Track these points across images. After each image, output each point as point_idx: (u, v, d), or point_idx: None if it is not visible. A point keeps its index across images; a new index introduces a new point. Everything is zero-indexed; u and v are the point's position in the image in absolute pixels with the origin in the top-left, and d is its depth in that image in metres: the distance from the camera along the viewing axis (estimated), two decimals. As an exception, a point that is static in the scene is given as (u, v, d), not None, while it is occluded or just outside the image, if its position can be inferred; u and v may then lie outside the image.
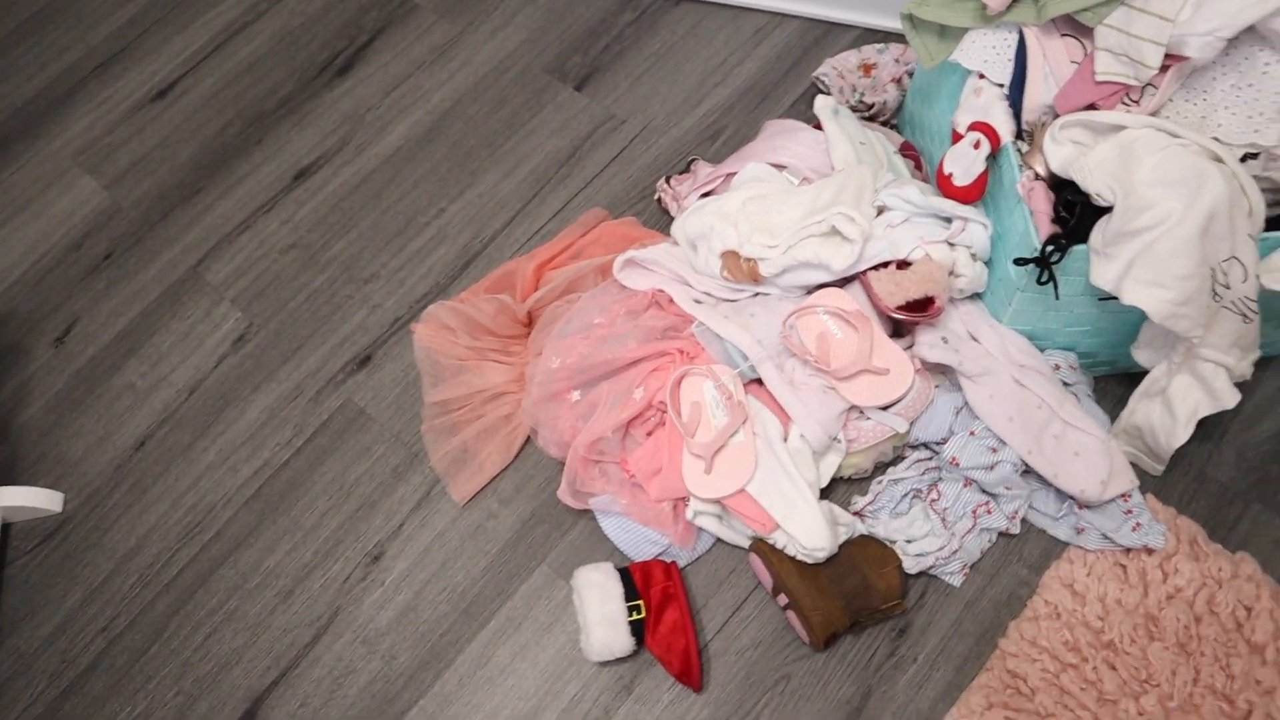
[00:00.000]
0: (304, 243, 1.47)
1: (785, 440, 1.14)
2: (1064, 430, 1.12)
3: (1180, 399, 1.11)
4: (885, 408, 1.13)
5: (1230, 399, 1.10)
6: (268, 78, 1.63)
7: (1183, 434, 1.12)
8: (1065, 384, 1.17)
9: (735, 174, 1.28)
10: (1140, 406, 1.14)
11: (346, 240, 1.47)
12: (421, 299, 1.40)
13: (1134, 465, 1.20)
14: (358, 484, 1.29)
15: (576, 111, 1.52)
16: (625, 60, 1.56)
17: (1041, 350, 1.18)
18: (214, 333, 1.42)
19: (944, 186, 1.11)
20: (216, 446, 1.33)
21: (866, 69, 1.41)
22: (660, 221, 1.39)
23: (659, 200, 1.39)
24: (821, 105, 1.27)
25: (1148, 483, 1.20)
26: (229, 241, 1.49)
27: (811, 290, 1.17)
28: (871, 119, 1.41)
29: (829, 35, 1.54)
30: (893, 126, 1.42)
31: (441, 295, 1.40)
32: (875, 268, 1.12)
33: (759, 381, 1.16)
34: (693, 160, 1.40)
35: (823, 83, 1.42)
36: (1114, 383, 1.24)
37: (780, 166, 1.26)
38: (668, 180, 1.38)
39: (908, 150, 1.32)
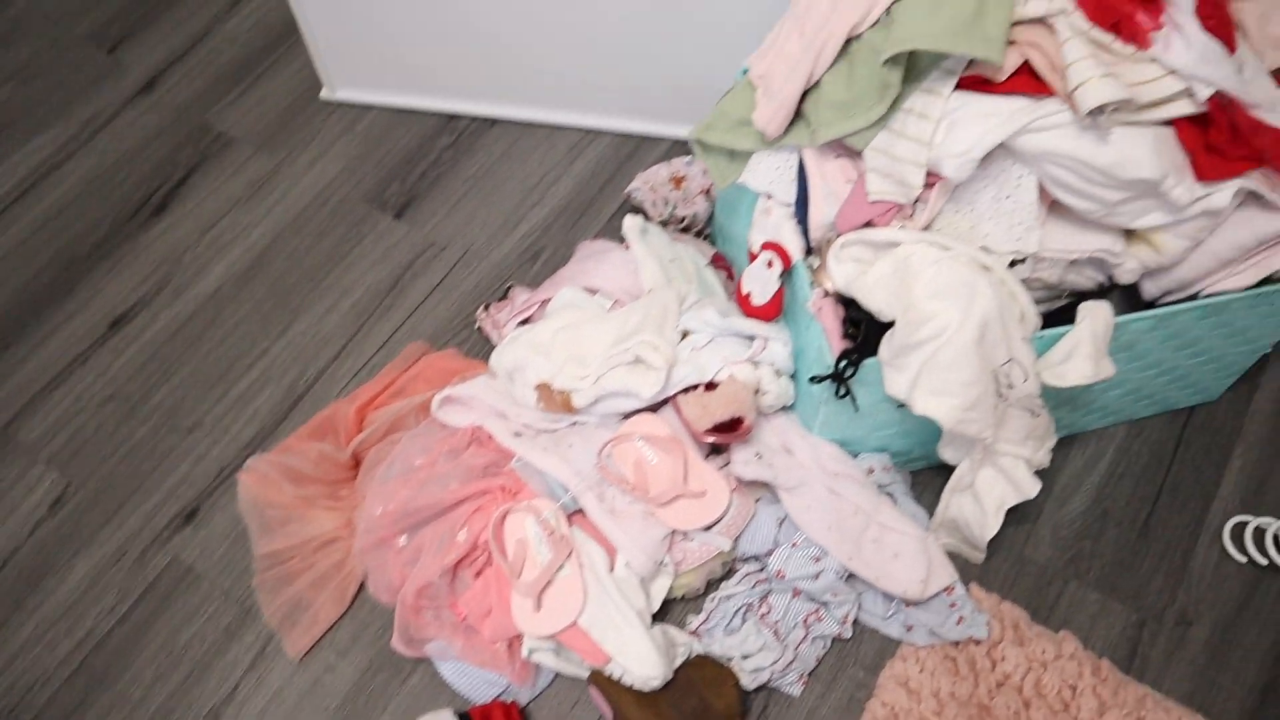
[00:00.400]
0: (123, 394, 1.43)
1: (612, 570, 1.13)
2: (881, 533, 1.15)
3: (987, 492, 1.15)
4: (708, 527, 1.14)
5: (1031, 488, 1.14)
6: (80, 221, 1.59)
7: (993, 525, 1.16)
8: (881, 486, 1.20)
9: (551, 299, 1.28)
10: (952, 501, 1.18)
11: (168, 388, 1.43)
12: (248, 445, 1.37)
13: (958, 555, 1.23)
14: (188, 648, 1.24)
15: (397, 240, 1.52)
16: (443, 185, 1.57)
17: (855, 455, 1.21)
18: (29, 497, 1.36)
19: (743, 306, 1.13)
20: (33, 621, 1.27)
21: (677, 181, 1.44)
22: (484, 350, 1.39)
23: (480, 329, 1.39)
24: (629, 226, 1.29)
25: (971, 571, 1.23)
26: (43, 398, 1.44)
27: (626, 416, 1.18)
28: (685, 230, 1.44)
29: (641, 148, 1.58)
30: (706, 237, 1.45)
31: (268, 439, 1.37)
32: (684, 391, 1.14)
33: (583, 512, 1.16)
34: (510, 286, 1.41)
35: (635, 198, 1.45)
36: (933, 474, 1.27)
37: (593, 290, 1.27)
38: (487, 308, 1.39)
39: (719, 262, 1.35)
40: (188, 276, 1.52)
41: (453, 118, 1.64)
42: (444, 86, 1.59)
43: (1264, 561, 1.23)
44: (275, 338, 1.45)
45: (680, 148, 1.55)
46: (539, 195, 1.55)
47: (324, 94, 1.66)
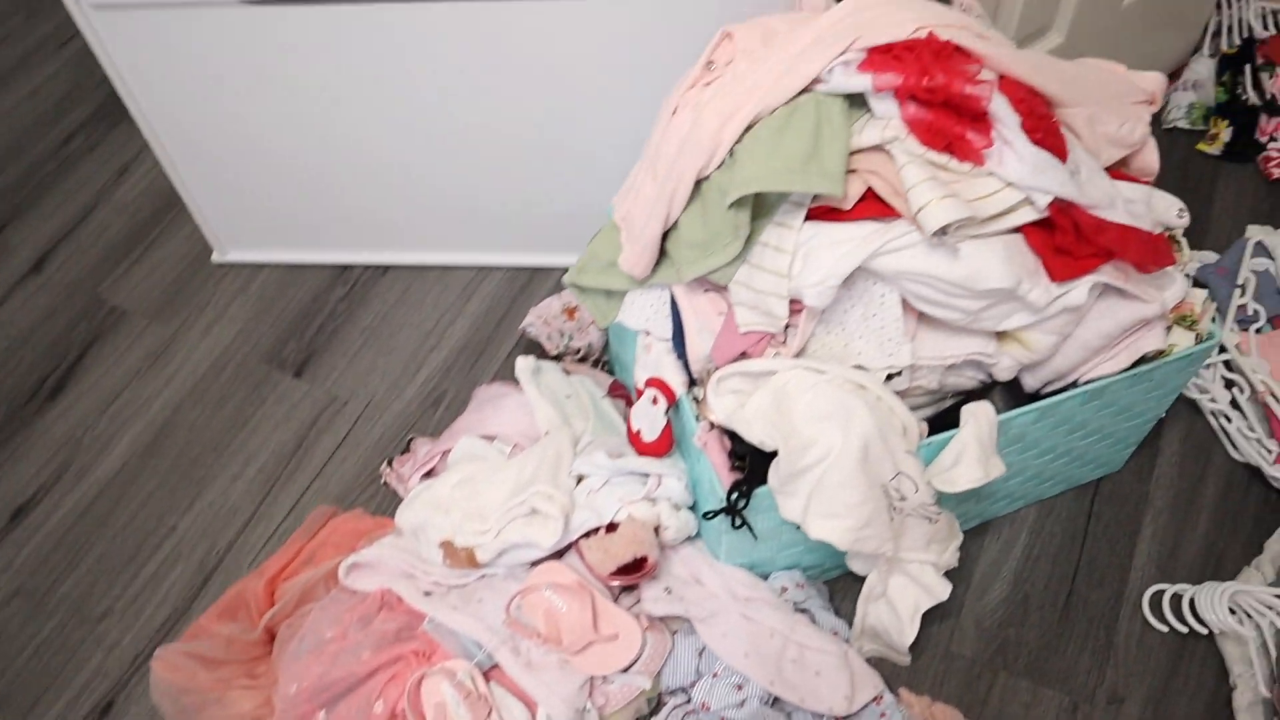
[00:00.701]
0: (28, 588, 1.39)
1: (535, 723, 1.11)
2: (801, 653, 1.14)
3: (900, 599, 1.15)
4: (626, 668, 1.12)
5: (943, 591, 1.14)
6: (-25, 413, 1.57)
7: (910, 631, 1.16)
8: (796, 604, 1.19)
9: (451, 449, 1.28)
10: (869, 610, 1.17)
11: (75, 577, 1.39)
12: (161, 628, 1.33)
13: (885, 660, 1.22)
14: None
15: (299, 399, 1.51)
16: (341, 338, 1.57)
17: (767, 575, 1.21)
18: (-66, 709, 1.31)
19: (635, 443, 1.13)
20: (-54, 842, 1.22)
21: (570, 313, 1.45)
22: (392, 504, 1.37)
23: (386, 484, 1.38)
24: (521, 367, 1.29)
25: (899, 675, 1.22)
26: (-54, 602, 1.40)
27: (534, 564, 1.17)
28: (583, 360, 1.44)
29: (533, 280, 1.59)
30: (604, 364, 1.45)
31: (182, 620, 1.34)
32: (586, 535, 1.13)
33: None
34: (411, 439, 1.40)
35: (530, 333, 1.46)
36: (851, 580, 1.27)
37: (491, 437, 1.27)
38: (390, 463, 1.38)
39: (617, 390, 1.36)
40: (90, 457, 1.49)
41: (345, 269, 1.64)
42: (333, 240, 1.60)
43: (1184, 629, 1.23)
44: (183, 512, 1.42)
45: (572, 275, 1.56)
46: (436, 339, 1.55)
47: (215, 257, 1.66)
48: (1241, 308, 1.39)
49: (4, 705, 1.29)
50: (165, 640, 1.31)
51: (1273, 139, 1.57)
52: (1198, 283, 1.47)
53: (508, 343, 1.53)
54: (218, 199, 1.56)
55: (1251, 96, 1.59)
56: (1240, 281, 1.41)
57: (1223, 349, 1.38)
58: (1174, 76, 1.69)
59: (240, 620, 1.26)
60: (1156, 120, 1.70)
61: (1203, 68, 1.64)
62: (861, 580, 1.19)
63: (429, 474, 1.31)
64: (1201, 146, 1.64)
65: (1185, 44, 1.67)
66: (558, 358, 1.45)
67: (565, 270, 1.54)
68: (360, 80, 1.34)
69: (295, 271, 1.65)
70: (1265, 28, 1.61)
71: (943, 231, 0.91)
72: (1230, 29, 1.65)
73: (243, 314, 1.61)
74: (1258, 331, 1.38)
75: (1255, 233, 1.48)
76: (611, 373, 1.43)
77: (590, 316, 1.43)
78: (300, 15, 1.26)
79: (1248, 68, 1.59)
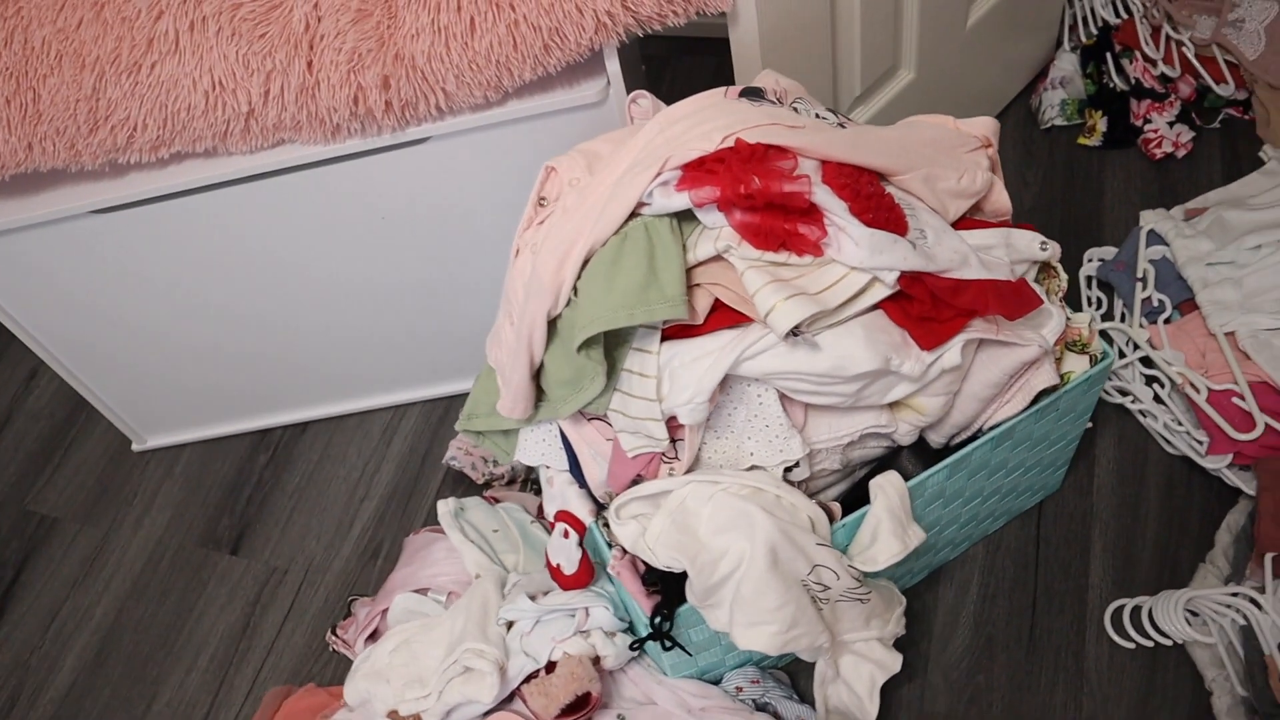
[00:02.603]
0: (1, 828, 1.37)
1: None
2: (767, 754, 1.12)
3: (854, 678, 1.13)
4: (593, 807, 1.10)
5: (894, 663, 1.12)
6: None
7: (871, 708, 1.14)
8: (754, 701, 1.17)
9: (388, 609, 1.26)
10: (828, 693, 1.15)
11: (45, 807, 1.37)
12: (138, 844, 1.31)
13: (860, 734, 1.20)
14: None
15: (239, 576, 1.49)
16: (271, 505, 1.55)
17: (719, 681, 1.19)
18: None
19: (557, 578, 1.12)
20: None
21: (487, 437, 1.43)
22: (346, 670, 1.35)
23: (336, 651, 1.36)
24: (443, 511, 1.28)
25: (877, 746, 1.20)
26: None
27: (481, 718, 1.15)
28: (510, 485, 1.43)
29: (450, 410, 1.58)
30: (533, 483, 1.44)
31: (157, 831, 1.31)
32: (527, 679, 1.11)
33: (468, 830, 1.12)
34: (352, 600, 1.38)
35: (455, 466, 1.44)
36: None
37: (425, 590, 1.25)
38: (334, 631, 1.36)
39: (545, 510, 1.34)
40: (40, 678, 1.47)
41: (265, 433, 1.63)
42: (248, 407, 1.59)
43: (1150, 643, 1.21)
44: (141, 718, 1.40)
45: (486, 396, 1.55)
46: (364, 488, 1.53)
47: (135, 446, 1.65)
48: (1146, 300, 1.38)
49: None
50: None
51: (1148, 120, 1.57)
52: (1101, 283, 1.46)
53: (435, 479, 1.52)
54: (123, 392, 1.55)
55: (1118, 83, 1.59)
56: (1140, 275, 1.40)
57: (1136, 346, 1.36)
58: (1042, 76, 1.69)
59: (209, 827, 1.24)
60: (1034, 123, 1.69)
61: (1067, 63, 1.64)
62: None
63: (373, 636, 1.29)
64: (1082, 140, 1.64)
65: (1045, 43, 1.67)
66: (485, 485, 1.44)
67: (478, 394, 1.53)
68: (230, 257, 1.33)
69: (216, 445, 1.64)
70: (1116, 14, 1.61)
71: (795, 331, 0.90)
72: (1084, 20, 1.65)
73: (171, 499, 1.60)
74: (1166, 321, 1.37)
75: (1147, 219, 1.47)
76: (539, 492, 1.41)
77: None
78: (151, 214, 1.26)
79: (1109, 56, 1.59)
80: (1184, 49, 1.55)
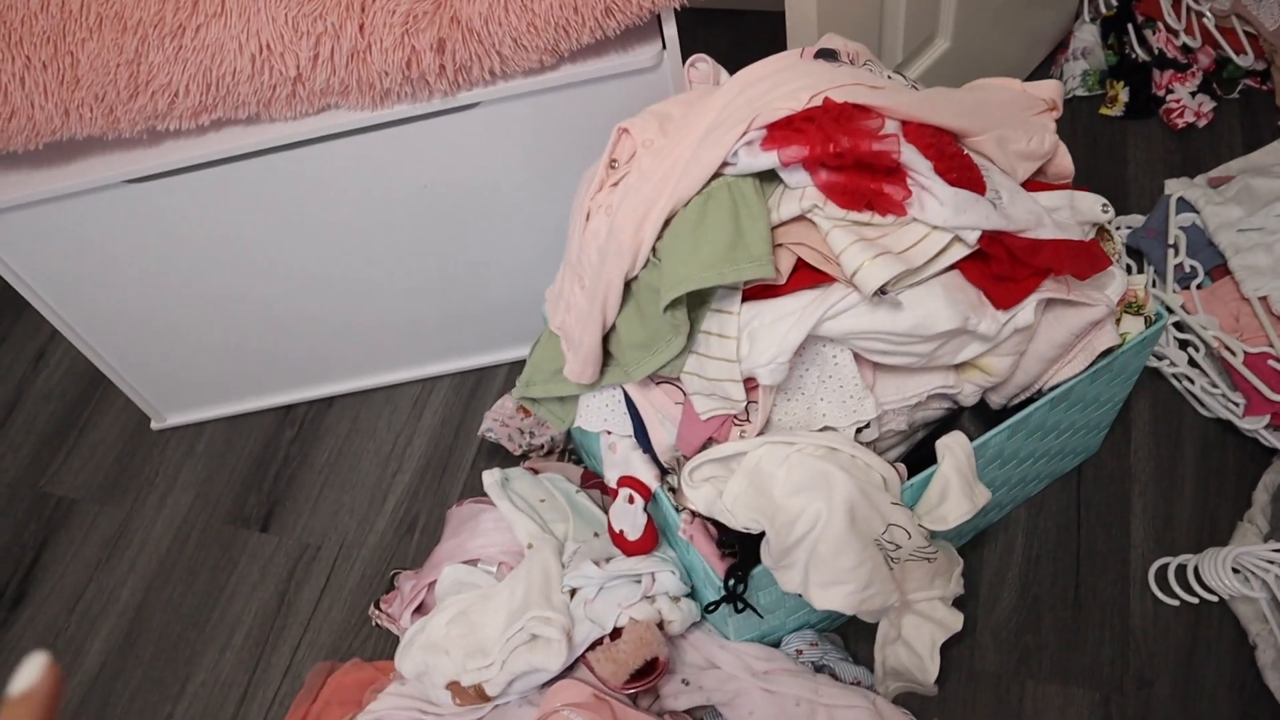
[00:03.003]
0: (36, 812, 1.33)
1: (581, 847, 1.09)
2: (830, 714, 1.12)
3: (915, 637, 1.15)
4: (660, 772, 1.10)
5: (956, 623, 1.14)
6: (-61, 639, 1.51)
7: (932, 668, 1.15)
8: (814, 664, 1.18)
9: (435, 581, 1.25)
10: (887, 653, 1.16)
11: (80, 790, 1.34)
12: (180, 824, 1.29)
13: (913, 694, 1.21)
14: None
15: (271, 554, 1.47)
16: (300, 481, 1.53)
17: (779, 642, 1.19)
18: None
19: (620, 544, 1.11)
20: None
21: (525, 410, 1.42)
22: (388, 644, 1.34)
23: (378, 625, 1.35)
24: (489, 482, 1.26)
25: (930, 705, 1.21)
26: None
27: (545, 685, 1.14)
28: (549, 455, 1.42)
29: (481, 383, 1.56)
30: (571, 453, 1.43)
31: (199, 811, 1.29)
32: (592, 647, 1.11)
33: (534, 798, 1.11)
34: (395, 574, 1.37)
35: (490, 437, 1.43)
36: (860, 622, 1.25)
37: (474, 561, 1.24)
38: (377, 605, 1.34)
39: (590, 481, 1.34)
40: (67, 660, 1.44)
41: (289, 409, 1.60)
42: (272, 383, 1.56)
43: (1195, 600, 1.23)
44: (175, 699, 1.38)
45: (518, 371, 1.54)
46: (397, 462, 1.51)
47: (154, 425, 1.62)
48: (1178, 267, 1.40)
49: None
50: (187, 836, 1.26)
51: (1170, 90, 1.59)
52: (1131, 250, 1.48)
53: (470, 451, 1.50)
54: (144, 369, 1.52)
55: (1140, 54, 1.61)
56: (1171, 241, 1.42)
57: (1170, 311, 1.38)
58: (1062, 47, 1.70)
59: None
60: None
61: (1088, 34, 1.66)
62: (873, 622, 1.17)
63: (419, 609, 1.28)
64: (1104, 111, 1.66)
65: (1066, 14, 1.69)
66: (523, 457, 1.43)
67: (510, 366, 1.53)
68: (266, 230, 1.31)
69: (239, 422, 1.61)
70: (1137, -15, 1.63)
71: (882, 290, 0.90)
72: (1104, -9, 1.67)
73: (195, 477, 1.57)
74: (1198, 287, 1.39)
75: (1174, 187, 1.49)
76: (580, 463, 1.41)
77: (547, 413, 1.41)
78: (187, 183, 1.23)
79: (1130, 26, 1.61)
80: (1204, 20, 1.57)
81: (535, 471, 1.35)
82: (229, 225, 1.30)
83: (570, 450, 1.44)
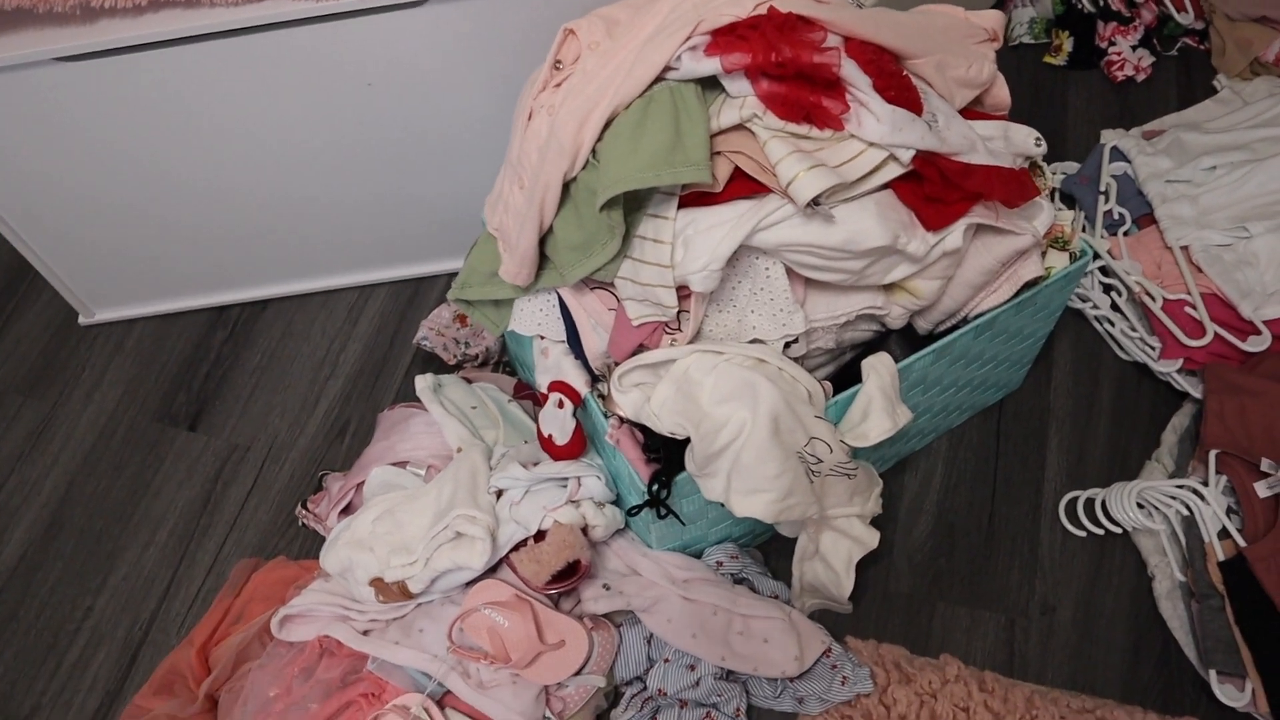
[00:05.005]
0: (-53, 698, 1.33)
1: (496, 742, 1.11)
2: (746, 624, 1.15)
3: (832, 553, 1.18)
4: (577, 672, 1.12)
5: (872, 540, 1.17)
6: None
7: (847, 583, 1.18)
8: (733, 576, 1.20)
9: (364, 482, 1.25)
10: (804, 569, 1.20)
11: (-6, 679, 1.34)
12: (95, 716, 1.29)
13: (828, 611, 1.25)
14: None
15: (198, 453, 1.46)
16: (231, 382, 1.52)
17: (701, 554, 1.22)
18: None
19: (548, 448, 1.13)
20: None
21: (462, 319, 1.43)
22: (315, 545, 1.35)
23: (305, 525, 1.35)
24: (421, 386, 1.27)
25: (843, 623, 1.25)
26: None
27: (469, 585, 1.16)
28: (483, 366, 1.43)
29: (420, 291, 1.56)
30: (505, 365, 1.44)
31: (116, 702, 1.29)
32: (515, 548, 1.13)
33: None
34: (323, 475, 1.37)
35: (425, 346, 1.43)
36: (784, 538, 1.28)
37: (403, 463, 1.25)
38: (304, 505, 1.35)
39: (522, 392, 1.34)
40: (-13, 552, 1.43)
41: (222, 310, 1.59)
42: (205, 282, 1.54)
43: (1100, 531, 1.28)
44: (96, 592, 1.37)
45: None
46: (330, 367, 1.51)
47: (82, 320, 1.59)
48: (1108, 213, 1.44)
49: (-55, 823, 1.24)
50: (103, 726, 1.27)
51: (1112, 43, 1.62)
52: (1064, 195, 1.51)
53: (404, 359, 1.50)
54: (74, 260, 1.49)
55: (1087, 5, 1.63)
56: (1103, 189, 1.45)
57: (1096, 255, 1.42)
58: (1012, -7, 1.72)
59: (178, 694, 1.23)
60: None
61: (1037, -19, 1.68)
62: (793, 540, 1.20)
63: (346, 510, 1.28)
64: (1048, 59, 1.68)
65: (1017, -41, 1.70)
66: (457, 367, 1.43)
67: (449, 277, 1.52)
68: (200, 120, 1.28)
69: (170, 321, 1.59)
70: (1087, -64, 1.65)
71: (815, 202, 0.91)
72: (1054, -60, 1.69)
73: (123, 374, 1.55)
74: (1125, 234, 1.42)
75: (1109, 137, 1.52)
76: (513, 374, 1.41)
77: (483, 323, 1.41)
78: (122, 65, 1.20)
79: (1080, -24, 1.63)
80: (1149, -26, 1.60)
81: (469, 380, 1.35)
82: (165, 114, 1.27)
83: (505, 362, 1.45)
